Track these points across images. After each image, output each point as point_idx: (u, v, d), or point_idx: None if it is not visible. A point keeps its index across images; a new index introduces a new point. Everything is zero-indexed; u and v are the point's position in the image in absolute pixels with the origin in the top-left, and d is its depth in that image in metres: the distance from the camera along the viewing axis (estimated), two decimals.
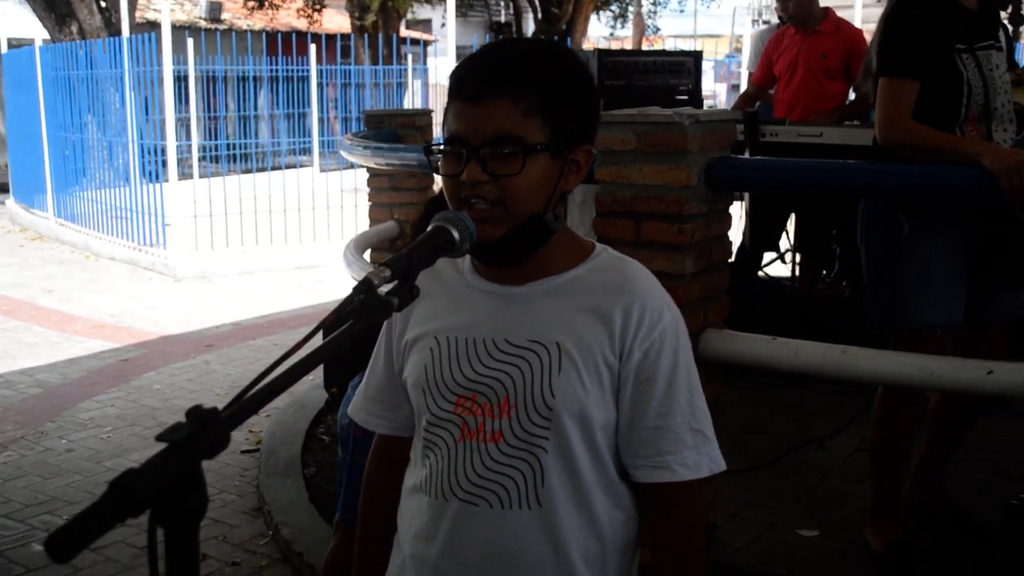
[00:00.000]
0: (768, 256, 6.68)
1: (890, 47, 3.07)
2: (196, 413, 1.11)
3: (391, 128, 5.61)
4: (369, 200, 5.74)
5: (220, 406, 1.13)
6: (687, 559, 1.58)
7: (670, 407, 1.52)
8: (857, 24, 12.70)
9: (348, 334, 1.30)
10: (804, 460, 4.10)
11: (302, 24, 20.29)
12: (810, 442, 4.29)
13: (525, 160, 1.46)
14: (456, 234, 1.42)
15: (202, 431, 1.09)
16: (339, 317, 1.30)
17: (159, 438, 1.09)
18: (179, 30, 12.84)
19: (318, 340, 1.29)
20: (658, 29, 34.74)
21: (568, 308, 1.53)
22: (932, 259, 3.08)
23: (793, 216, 6.38)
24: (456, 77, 1.52)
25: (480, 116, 1.47)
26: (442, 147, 1.52)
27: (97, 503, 1.02)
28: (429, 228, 1.45)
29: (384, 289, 1.32)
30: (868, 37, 6.85)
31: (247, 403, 1.16)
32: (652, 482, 1.54)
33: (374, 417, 1.71)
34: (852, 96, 6.25)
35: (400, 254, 1.38)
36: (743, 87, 6.74)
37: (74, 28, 14.44)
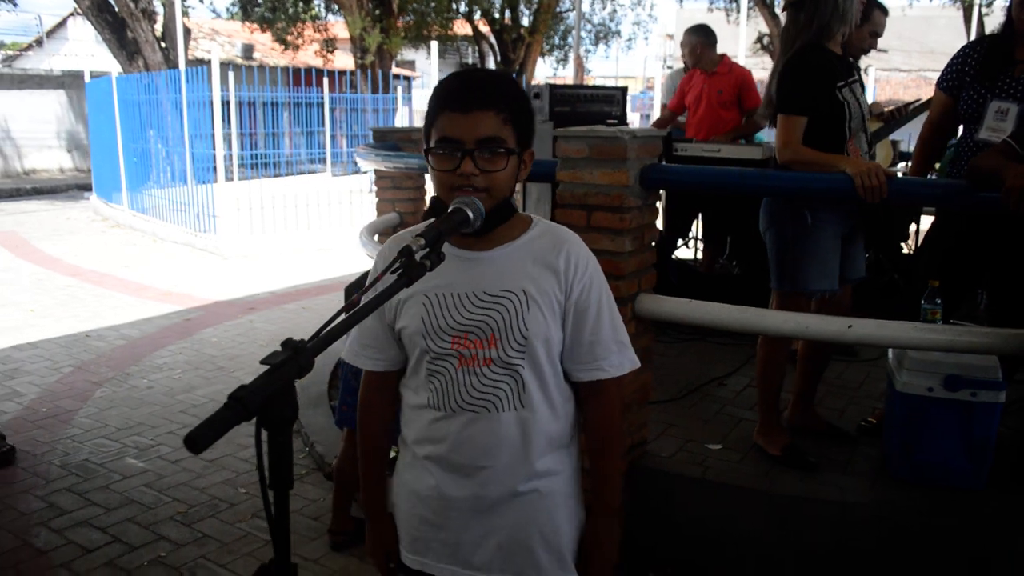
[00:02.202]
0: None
1: (785, 91, 3.13)
2: (289, 344, 1.12)
3: (393, 141, 5.57)
4: (376, 196, 5.68)
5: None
6: (610, 428, 1.70)
7: (599, 327, 1.62)
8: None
9: (395, 287, 1.31)
10: (709, 394, 4.14)
11: (318, 62, 20.06)
12: (712, 381, 4.34)
13: (508, 159, 1.52)
14: (470, 214, 1.46)
15: (294, 357, 1.11)
16: (385, 273, 1.33)
17: (263, 362, 1.10)
18: (222, 65, 12.63)
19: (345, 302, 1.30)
20: (590, 70, 34.74)
21: (525, 263, 1.59)
22: (826, 242, 3.17)
23: (700, 215, 6.45)
24: (446, 93, 1.53)
25: (472, 123, 1.49)
26: (439, 149, 1.52)
27: (220, 411, 1.03)
28: (449, 209, 1.47)
29: (420, 255, 1.35)
30: (754, 74, 6.97)
31: (325, 337, 1.18)
32: (590, 380, 1.64)
33: (369, 360, 1.69)
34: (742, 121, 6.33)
35: (430, 227, 1.40)
36: (653, 116, 6.93)
37: (140, 63, 14.19)
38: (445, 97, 1.53)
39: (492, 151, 1.50)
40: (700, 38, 6.20)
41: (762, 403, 3.37)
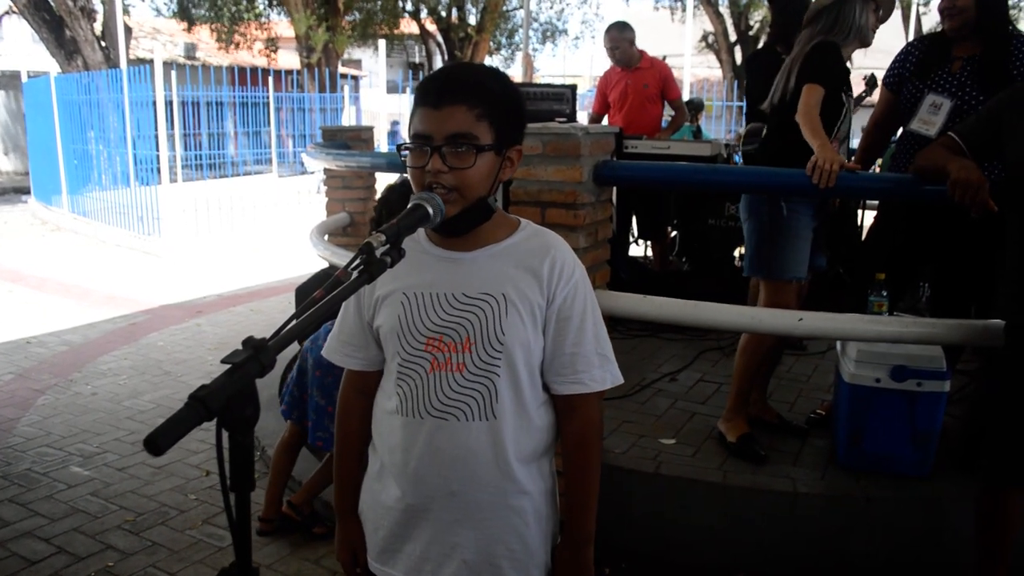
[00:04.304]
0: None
1: (811, 67, 3.22)
2: (250, 342, 1.09)
3: (342, 140, 5.52)
4: (326, 196, 5.65)
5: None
6: (588, 447, 1.62)
7: (582, 338, 1.56)
8: (687, 70, 12.95)
9: (356, 284, 1.29)
10: (661, 389, 4.18)
11: (262, 61, 19.81)
12: (664, 376, 4.38)
13: (477, 156, 1.46)
14: (430, 210, 1.42)
15: (255, 356, 1.08)
16: (346, 271, 1.30)
17: (224, 361, 1.08)
18: (164, 65, 12.39)
19: (288, 303, 1.29)
20: (538, 69, 34.84)
21: (508, 267, 1.53)
22: (801, 232, 3.29)
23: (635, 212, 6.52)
24: (423, 88, 1.50)
25: (442, 119, 1.45)
26: (410, 145, 1.49)
27: (180, 410, 1.01)
28: (409, 205, 1.45)
29: (380, 251, 1.32)
30: (675, 73, 7.13)
31: (286, 335, 1.15)
32: (569, 393, 1.58)
33: (347, 357, 1.66)
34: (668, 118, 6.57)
35: (391, 224, 1.37)
36: None
37: (80, 62, 13.87)
38: (421, 92, 1.49)
39: (460, 148, 1.45)
40: (629, 34, 6.34)
41: (735, 389, 3.45)
